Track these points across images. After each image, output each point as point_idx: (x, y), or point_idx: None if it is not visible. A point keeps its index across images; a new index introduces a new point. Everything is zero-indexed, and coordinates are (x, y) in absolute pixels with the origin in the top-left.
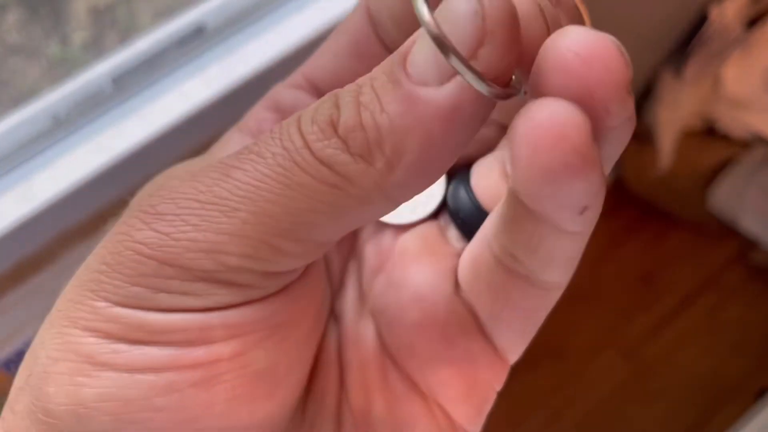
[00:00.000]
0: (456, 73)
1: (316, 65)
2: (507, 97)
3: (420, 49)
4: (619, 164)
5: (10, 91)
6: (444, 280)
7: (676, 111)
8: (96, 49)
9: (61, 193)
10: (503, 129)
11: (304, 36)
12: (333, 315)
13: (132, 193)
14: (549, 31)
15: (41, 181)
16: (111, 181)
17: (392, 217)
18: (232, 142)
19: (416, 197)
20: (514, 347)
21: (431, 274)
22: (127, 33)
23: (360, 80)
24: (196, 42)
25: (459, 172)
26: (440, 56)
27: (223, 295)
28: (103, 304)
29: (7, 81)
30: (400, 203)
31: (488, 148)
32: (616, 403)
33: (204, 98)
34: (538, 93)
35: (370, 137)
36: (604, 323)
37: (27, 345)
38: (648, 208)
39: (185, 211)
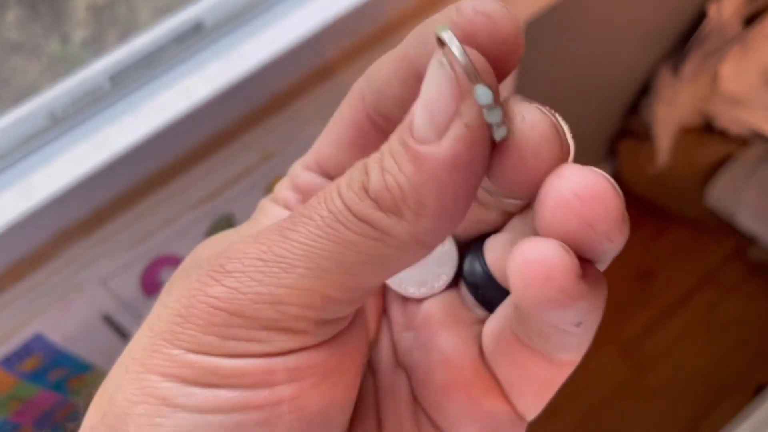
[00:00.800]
0: (447, 127)
1: (322, 153)
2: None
3: (419, 114)
4: (617, 161)
5: (11, 90)
6: (468, 346)
7: (674, 108)
8: (96, 46)
9: (60, 190)
10: (508, 215)
11: (303, 33)
12: (369, 365)
13: (129, 192)
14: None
15: (40, 178)
16: (109, 178)
17: (410, 291)
18: (270, 210)
19: (428, 272)
20: (531, 409)
21: (457, 340)
22: (128, 30)
23: (382, 148)
24: (194, 39)
25: (473, 247)
26: (434, 116)
27: (284, 342)
28: (178, 351)
29: (8, 79)
30: (434, 247)
31: (495, 228)
32: (614, 400)
33: (202, 95)
34: (542, 225)
35: (396, 196)
36: (602, 319)
37: (27, 342)
38: (646, 205)
39: (250, 269)
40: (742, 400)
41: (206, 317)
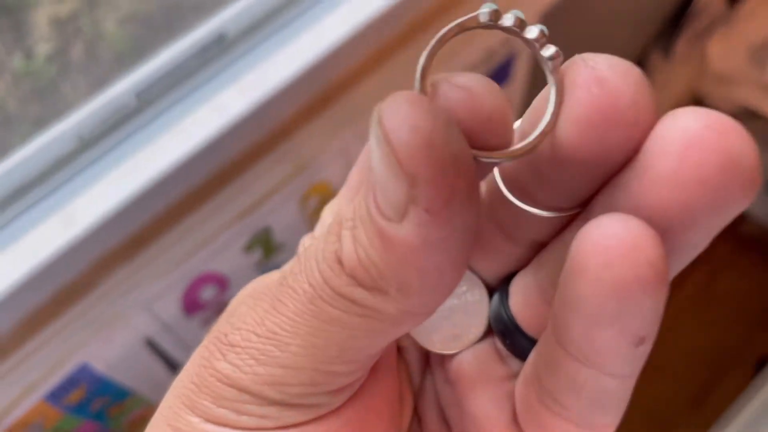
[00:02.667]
0: (406, 211)
1: (342, 206)
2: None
3: (377, 183)
4: None
5: None
6: (500, 409)
7: (666, 90)
8: (61, 60)
9: (101, 216)
10: (536, 245)
11: (332, 40)
12: (416, 414)
13: (168, 213)
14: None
15: (81, 206)
16: (147, 200)
17: (439, 347)
18: None
19: (457, 325)
20: None
21: (488, 402)
22: (93, 42)
23: (354, 204)
24: (217, 50)
25: (500, 289)
26: (388, 197)
27: (295, 416)
28: (196, 419)
29: None
30: (432, 312)
31: (523, 263)
32: None
33: (236, 110)
34: (665, 177)
35: (372, 274)
36: None
37: (73, 373)
38: None
39: (248, 344)
40: (744, 373)
41: (217, 391)
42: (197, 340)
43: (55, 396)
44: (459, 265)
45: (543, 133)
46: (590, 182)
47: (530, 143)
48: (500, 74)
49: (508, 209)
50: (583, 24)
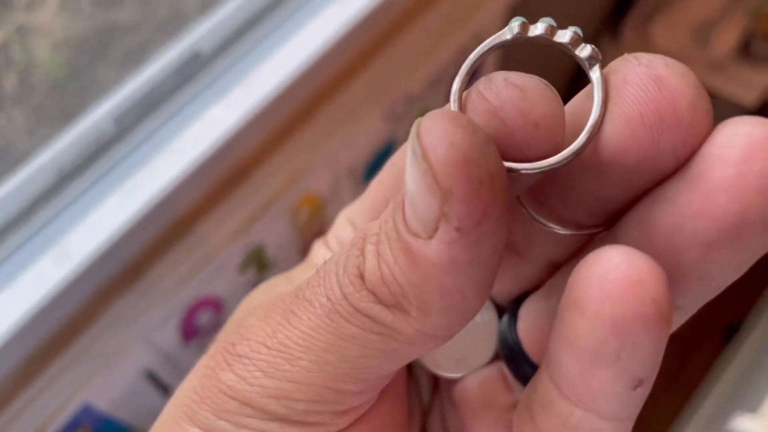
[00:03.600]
0: (436, 228)
1: (356, 218)
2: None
3: (407, 203)
4: None
5: None
6: None
7: None
8: None
9: (96, 249)
10: (551, 265)
11: (310, 49)
12: None
13: (161, 240)
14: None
15: (74, 241)
16: (141, 228)
17: (445, 372)
18: (319, 254)
19: (465, 348)
20: None
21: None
22: (27, 71)
23: (381, 219)
24: (193, 69)
25: (509, 310)
26: (419, 213)
27: None
28: (196, 431)
29: None
30: (450, 337)
31: (537, 284)
32: None
33: (224, 128)
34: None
35: (394, 291)
36: None
37: (76, 414)
38: None
39: (257, 356)
40: (713, 344)
41: (219, 402)
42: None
43: None
44: (482, 289)
45: (589, 137)
46: (625, 194)
47: (575, 148)
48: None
49: (522, 224)
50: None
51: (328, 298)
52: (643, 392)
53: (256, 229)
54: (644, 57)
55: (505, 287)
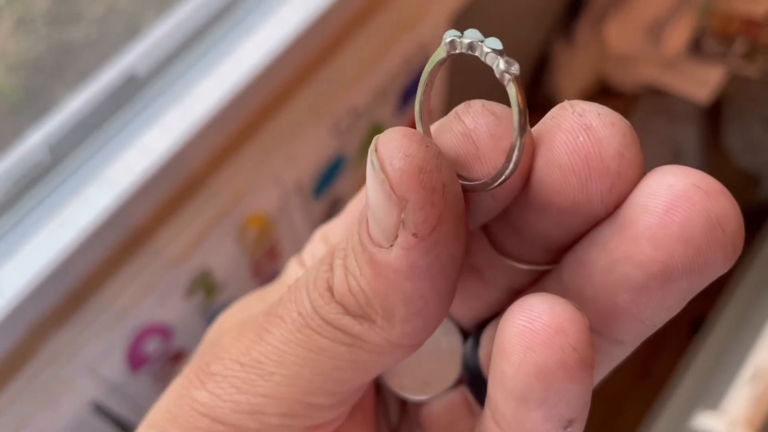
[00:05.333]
0: (395, 234)
1: (334, 237)
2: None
3: (370, 211)
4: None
5: None
6: None
7: (573, 76)
8: None
9: (30, 281)
10: (512, 292)
11: (246, 67)
12: None
13: (100, 268)
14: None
15: (6, 274)
16: (77, 258)
17: (410, 396)
18: (293, 273)
19: (430, 372)
20: None
21: None
22: None
23: (347, 236)
24: (129, 91)
25: (473, 334)
26: (379, 222)
27: None
28: None
29: None
30: (417, 346)
31: (499, 310)
32: None
33: (161, 151)
34: (652, 232)
35: (361, 301)
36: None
37: None
38: None
39: (230, 373)
40: (679, 338)
41: (191, 421)
42: (147, 395)
43: None
44: (443, 297)
45: (517, 160)
46: (566, 234)
47: (504, 173)
48: (419, 80)
49: (485, 253)
50: (489, 21)
51: (299, 313)
52: (575, 430)
53: (200, 253)
54: (579, 105)
55: (469, 311)
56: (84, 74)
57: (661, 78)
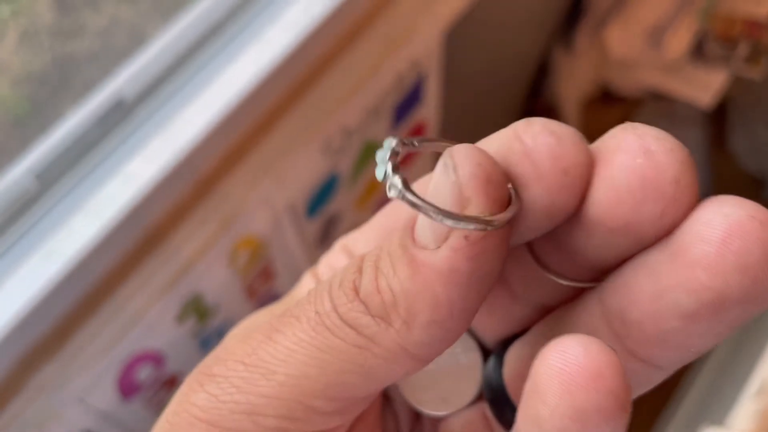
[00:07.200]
0: (447, 236)
1: (357, 248)
2: (505, 222)
3: (421, 217)
4: None
5: None
6: None
7: (573, 82)
8: None
9: (18, 313)
10: (542, 309)
11: (232, 92)
12: None
13: (88, 297)
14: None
15: None
16: (66, 288)
17: (427, 410)
18: (306, 284)
19: (448, 387)
20: None
21: None
22: None
23: (381, 245)
24: (117, 117)
25: (497, 351)
26: (435, 223)
27: None
28: None
29: None
30: (427, 361)
31: (525, 328)
32: None
33: (148, 177)
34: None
35: (386, 300)
36: None
37: None
38: None
39: (232, 373)
40: None
41: (188, 427)
42: (143, 421)
43: None
44: (469, 310)
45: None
46: (611, 255)
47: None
48: (412, 97)
49: (521, 267)
50: (488, 31)
51: (317, 312)
52: None
53: (190, 278)
54: (639, 128)
55: (493, 327)
56: (88, 87)
57: (664, 82)
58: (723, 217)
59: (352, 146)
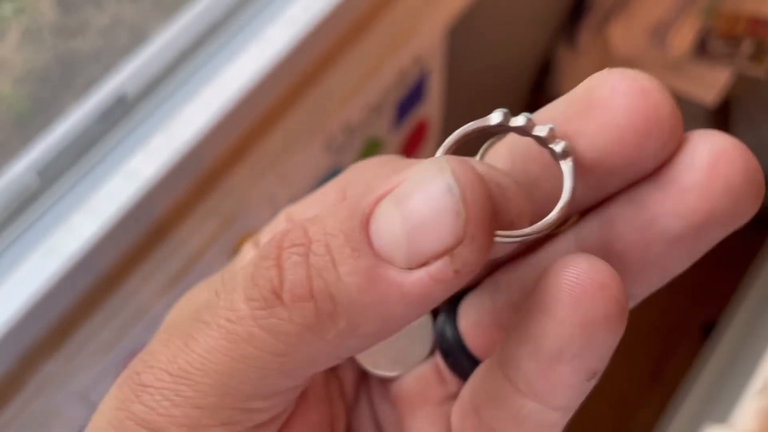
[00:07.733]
0: (428, 261)
1: (310, 213)
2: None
3: (387, 222)
4: None
5: None
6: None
7: (576, 80)
8: None
9: (20, 309)
10: (491, 264)
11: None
12: (350, 431)
13: (91, 294)
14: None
15: None
16: (67, 284)
17: (381, 372)
18: (245, 256)
19: (400, 349)
20: None
21: (427, 426)
22: None
23: (312, 232)
24: (119, 113)
25: (447, 306)
26: (418, 242)
27: None
28: None
29: None
30: (344, 359)
31: (473, 283)
32: None
33: (150, 174)
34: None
35: (321, 309)
36: None
37: None
38: None
39: (161, 384)
40: (692, 341)
41: None
42: None
43: None
44: (405, 324)
45: (561, 214)
46: (594, 198)
47: (550, 222)
48: (415, 94)
49: None
50: (491, 28)
51: (228, 319)
52: (593, 383)
53: (192, 276)
54: (623, 71)
55: None
56: (90, 85)
57: (667, 80)
58: (710, 146)
59: (354, 144)
